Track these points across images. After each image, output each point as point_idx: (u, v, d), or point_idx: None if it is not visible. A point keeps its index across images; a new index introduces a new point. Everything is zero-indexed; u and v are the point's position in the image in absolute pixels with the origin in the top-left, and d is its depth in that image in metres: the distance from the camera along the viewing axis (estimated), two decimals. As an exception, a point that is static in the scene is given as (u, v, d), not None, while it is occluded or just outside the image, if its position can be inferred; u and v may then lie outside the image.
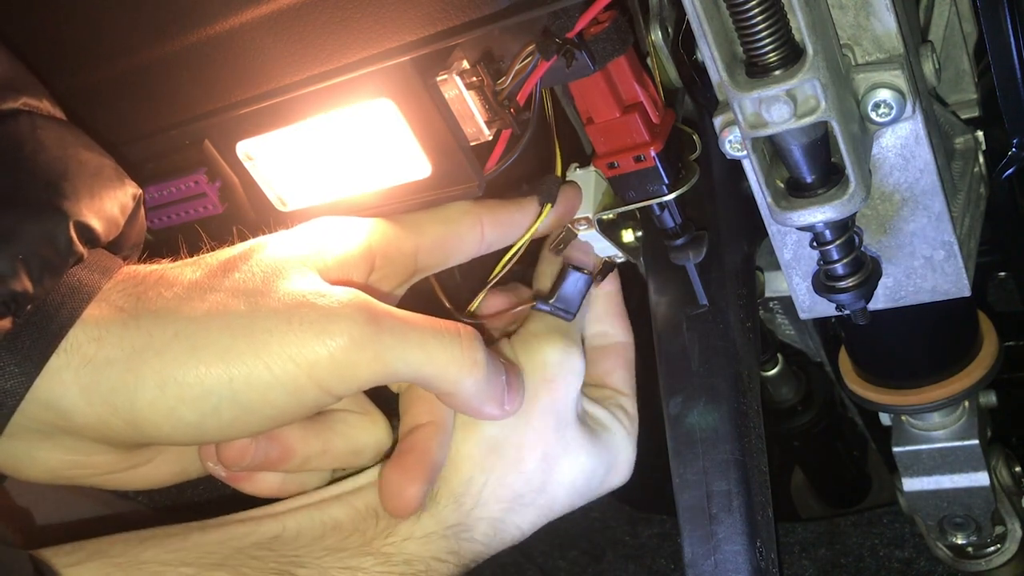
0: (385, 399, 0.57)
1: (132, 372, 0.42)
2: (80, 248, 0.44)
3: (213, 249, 0.50)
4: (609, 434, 0.58)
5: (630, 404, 0.61)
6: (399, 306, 0.51)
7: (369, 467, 0.54)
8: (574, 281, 0.58)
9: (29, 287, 0.42)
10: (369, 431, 0.55)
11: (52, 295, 0.43)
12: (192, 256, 0.49)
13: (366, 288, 0.49)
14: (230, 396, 0.43)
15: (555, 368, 0.56)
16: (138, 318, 0.43)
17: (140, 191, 0.51)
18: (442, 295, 0.58)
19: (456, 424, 0.54)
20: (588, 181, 0.60)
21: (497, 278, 0.57)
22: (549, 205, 0.57)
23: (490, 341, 0.60)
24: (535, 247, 0.63)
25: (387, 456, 0.54)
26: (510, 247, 0.57)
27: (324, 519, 0.50)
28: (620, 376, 0.62)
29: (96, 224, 0.46)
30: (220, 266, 0.47)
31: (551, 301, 0.57)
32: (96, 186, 0.47)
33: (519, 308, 0.59)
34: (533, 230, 0.57)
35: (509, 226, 0.56)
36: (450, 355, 0.48)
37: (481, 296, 0.58)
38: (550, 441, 0.55)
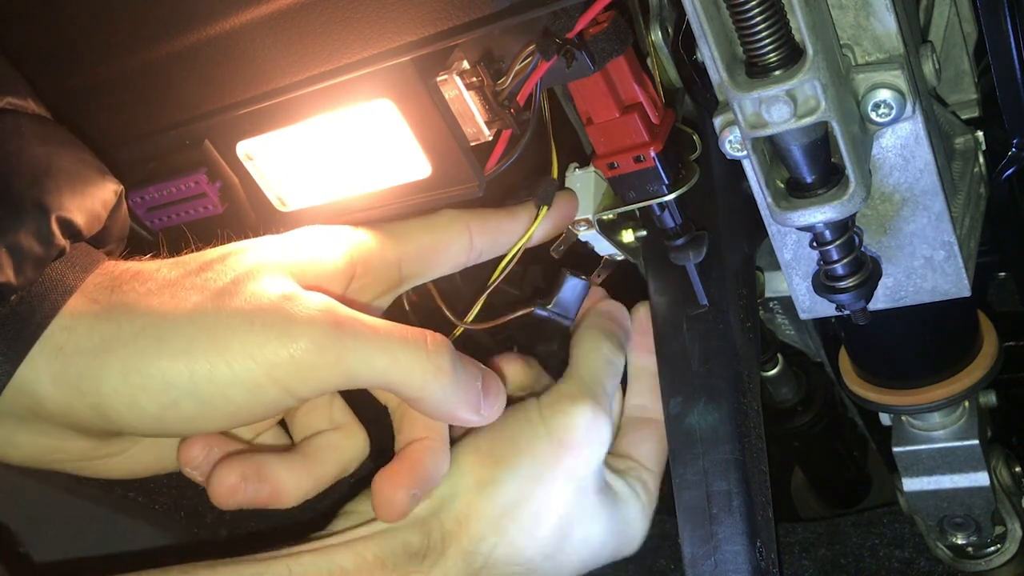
0: (366, 404, 0.57)
1: (98, 361, 0.43)
2: (62, 241, 0.45)
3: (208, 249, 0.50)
4: (626, 508, 0.58)
5: (652, 480, 0.60)
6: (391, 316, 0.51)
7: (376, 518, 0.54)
8: (572, 286, 0.58)
9: (13, 279, 0.43)
10: (350, 448, 0.55)
11: (35, 287, 0.44)
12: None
13: (344, 298, 0.49)
14: (190, 390, 0.44)
15: (582, 433, 0.56)
16: (110, 310, 0.44)
17: (122, 187, 0.51)
18: (441, 302, 0.58)
19: (473, 482, 0.53)
20: (587, 182, 0.60)
21: (496, 283, 0.57)
22: (545, 208, 0.57)
23: (511, 399, 0.59)
24: (539, 249, 0.63)
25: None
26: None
27: (331, 567, 0.50)
28: (647, 450, 0.61)
29: (78, 219, 0.47)
30: (196, 265, 0.48)
31: (549, 307, 0.58)
32: (79, 182, 0.48)
33: (519, 314, 0.59)
34: (530, 233, 0.57)
35: (499, 234, 0.56)
36: (414, 360, 0.48)
37: (480, 302, 0.58)
38: (567, 509, 0.55)
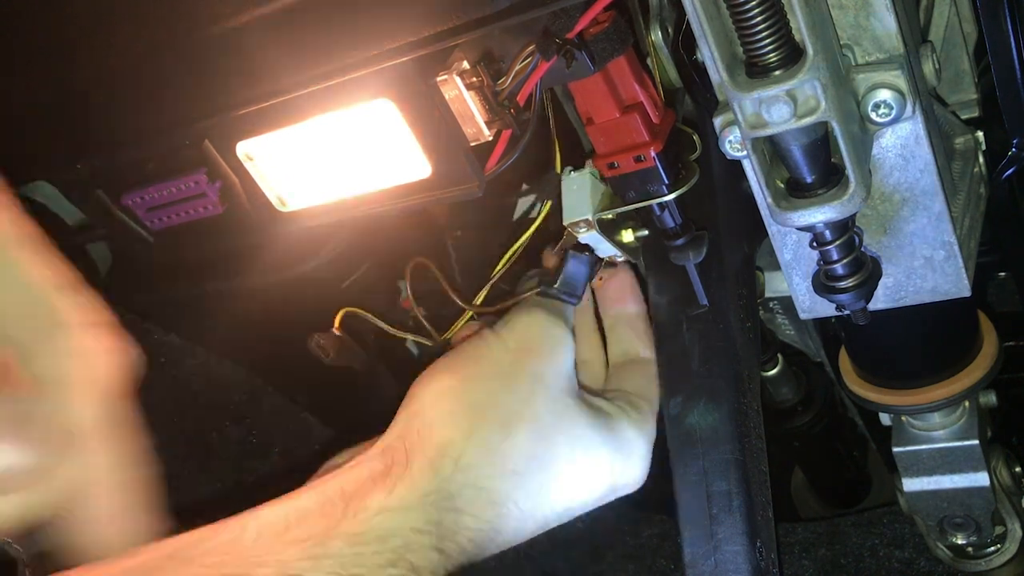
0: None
1: None
2: None
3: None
4: (613, 420, 0.57)
5: (645, 404, 0.60)
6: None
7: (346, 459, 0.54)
8: (575, 264, 0.58)
9: None
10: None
11: None
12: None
13: None
14: None
15: (536, 337, 0.56)
16: None
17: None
18: (452, 293, 0.58)
19: (433, 395, 0.53)
20: (584, 183, 0.60)
21: (499, 274, 0.58)
22: (549, 202, 0.58)
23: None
24: (539, 249, 0.63)
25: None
26: (512, 245, 0.58)
27: (288, 512, 0.48)
28: (636, 382, 0.61)
29: None
30: None
31: (555, 286, 0.58)
32: None
33: (526, 294, 0.60)
34: (533, 228, 0.57)
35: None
36: None
37: (486, 290, 0.59)
38: (540, 411, 0.54)
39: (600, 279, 0.64)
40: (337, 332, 0.62)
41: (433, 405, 0.53)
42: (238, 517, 0.48)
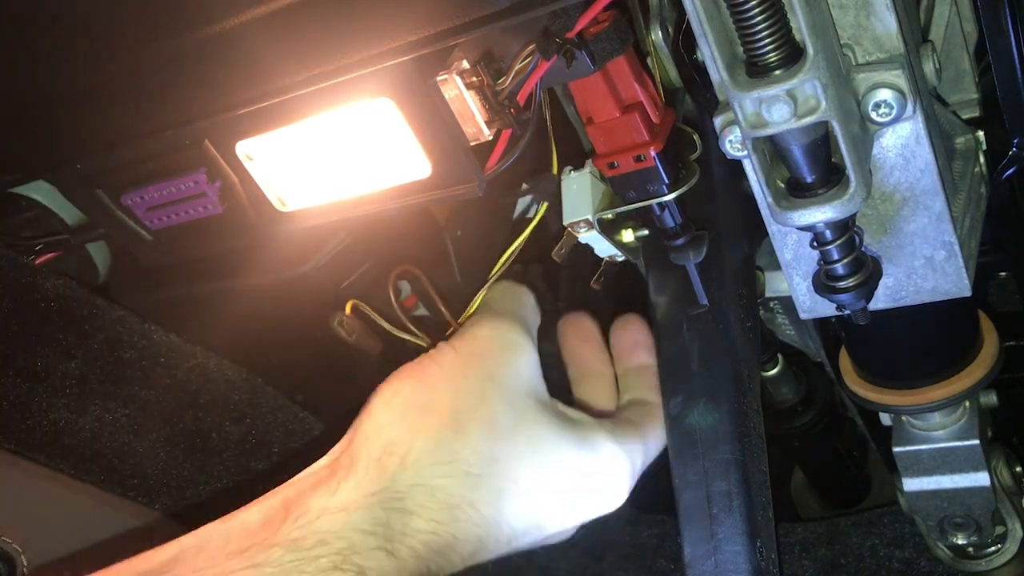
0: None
1: None
2: None
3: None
4: (584, 428, 0.56)
5: (631, 429, 0.59)
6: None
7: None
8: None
9: None
10: None
11: None
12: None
13: None
14: None
15: (486, 341, 0.56)
16: None
17: None
18: (440, 304, 0.58)
19: (381, 395, 0.54)
20: (584, 183, 0.60)
21: (496, 276, 0.57)
22: (546, 204, 0.58)
23: None
24: (538, 248, 0.63)
25: None
26: (509, 246, 0.58)
27: (231, 526, 0.48)
28: (631, 411, 0.61)
29: None
30: None
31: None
32: None
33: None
34: (530, 229, 0.58)
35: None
36: None
37: (481, 295, 0.59)
38: (495, 411, 0.53)
39: (599, 279, 0.64)
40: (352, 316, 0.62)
41: (382, 408, 0.53)
42: (179, 538, 0.48)
